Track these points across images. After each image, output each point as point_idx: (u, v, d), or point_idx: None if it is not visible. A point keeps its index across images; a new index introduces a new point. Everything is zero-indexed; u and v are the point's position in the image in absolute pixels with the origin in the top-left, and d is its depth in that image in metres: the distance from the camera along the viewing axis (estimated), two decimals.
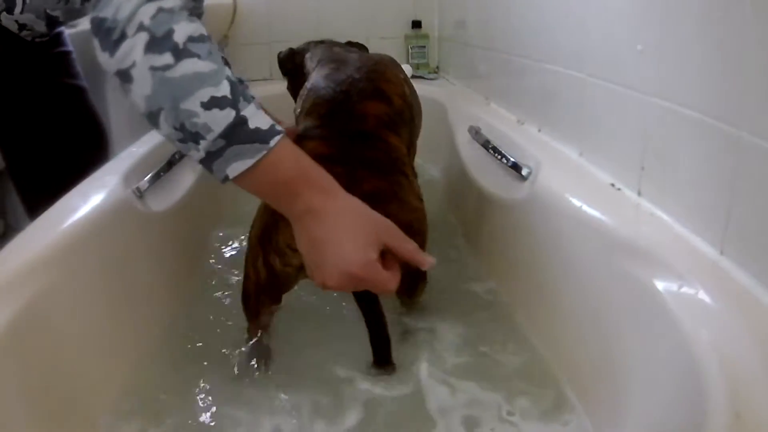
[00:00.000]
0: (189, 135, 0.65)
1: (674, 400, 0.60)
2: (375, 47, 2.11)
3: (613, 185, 0.93)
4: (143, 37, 0.64)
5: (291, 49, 1.37)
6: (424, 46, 2.08)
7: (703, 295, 0.64)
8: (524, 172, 1.06)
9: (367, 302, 0.88)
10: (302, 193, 0.68)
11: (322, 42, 1.36)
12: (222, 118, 0.64)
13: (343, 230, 0.68)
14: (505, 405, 0.83)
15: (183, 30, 0.65)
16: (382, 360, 0.90)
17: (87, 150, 1.37)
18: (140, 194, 1.04)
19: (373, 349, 0.90)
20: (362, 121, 0.95)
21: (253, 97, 0.68)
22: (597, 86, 0.98)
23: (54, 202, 0.91)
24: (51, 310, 0.73)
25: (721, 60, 0.69)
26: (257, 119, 0.66)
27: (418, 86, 1.97)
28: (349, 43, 1.44)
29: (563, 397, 0.84)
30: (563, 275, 0.91)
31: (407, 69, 2.03)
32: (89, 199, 0.93)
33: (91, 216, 0.88)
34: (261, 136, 0.66)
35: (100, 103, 1.46)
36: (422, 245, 0.90)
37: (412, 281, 1.00)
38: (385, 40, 2.09)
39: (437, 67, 2.11)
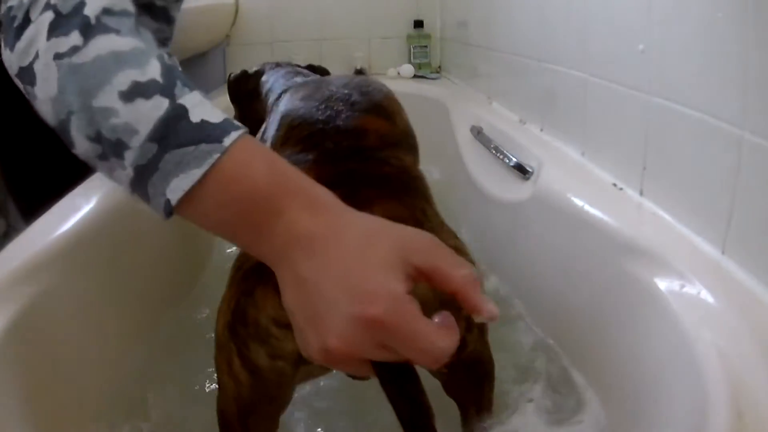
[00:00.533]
0: (109, 147, 0.45)
1: (676, 400, 0.60)
2: (377, 47, 2.13)
3: (615, 185, 0.92)
4: (48, 18, 0.47)
5: (244, 71, 1.20)
6: (426, 46, 2.08)
7: (704, 295, 0.64)
8: (526, 172, 1.06)
9: (399, 381, 0.46)
10: (284, 210, 0.44)
11: (278, 65, 1.16)
12: (150, 111, 0.44)
13: (348, 256, 0.43)
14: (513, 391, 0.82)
15: (97, 1, 0.48)
16: None
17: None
18: None
19: None
20: (360, 137, 0.72)
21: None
22: (599, 86, 0.98)
23: (50, 207, 0.91)
24: (52, 311, 0.73)
25: (723, 59, 0.68)
26: (203, 110, 0.46)
27: (420, 86, 1.97)
28: (310, 67, 1.25)
29: (571, 396, 0.84)
30: (565, 275, 0.91)
31: (409, 69, 2.03)
32: (91, 199, 0.93)
33: (93, 216, 0.88)
34: (209, 133, 0.44)
35: None
36: None
37: (473, 375, 0.68)
38: (387, 40, 2.10)
39: (439, 67, 2.11)
